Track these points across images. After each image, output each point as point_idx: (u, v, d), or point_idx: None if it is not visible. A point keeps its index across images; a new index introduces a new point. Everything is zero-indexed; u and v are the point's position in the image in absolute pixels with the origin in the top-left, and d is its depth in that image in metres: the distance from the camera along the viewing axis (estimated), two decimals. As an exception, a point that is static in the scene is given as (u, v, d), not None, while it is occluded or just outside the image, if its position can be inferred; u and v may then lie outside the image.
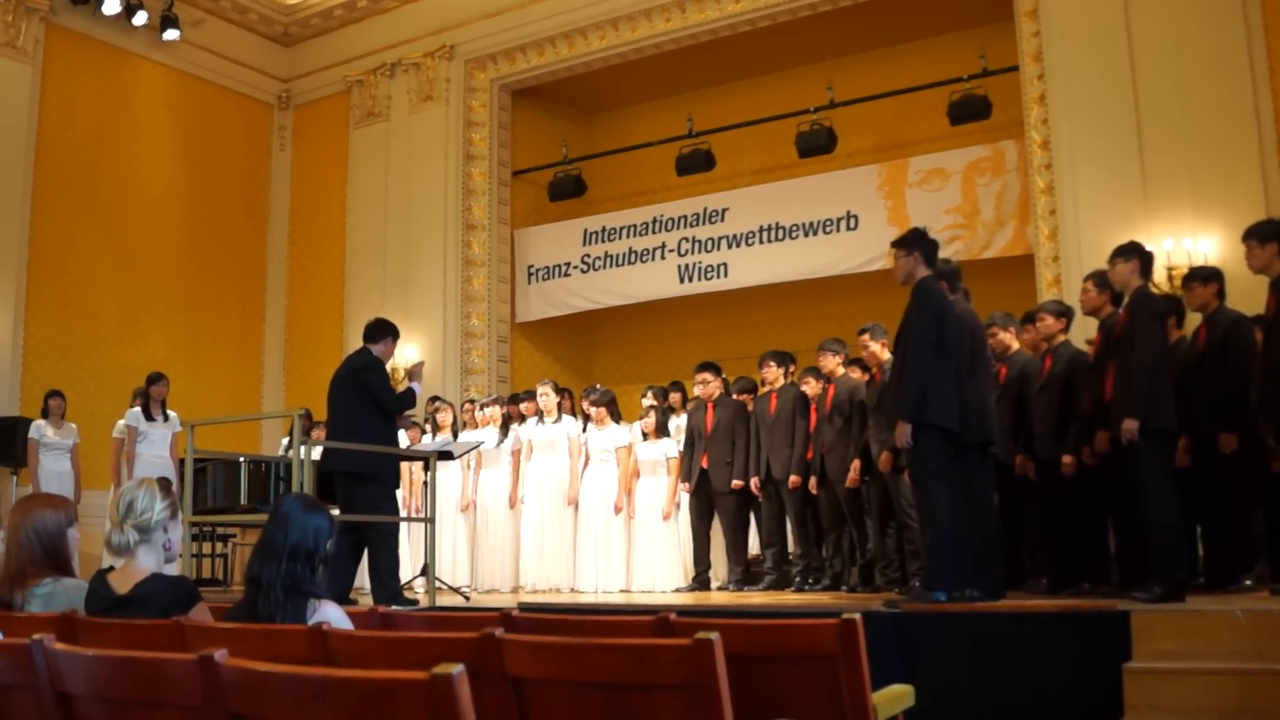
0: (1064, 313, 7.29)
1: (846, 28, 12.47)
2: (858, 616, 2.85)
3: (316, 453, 7.98)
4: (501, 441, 10.05)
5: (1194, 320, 7.01)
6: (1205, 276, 6.89)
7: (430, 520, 8.03)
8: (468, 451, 9.66)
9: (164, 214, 13.80)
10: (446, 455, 8.93)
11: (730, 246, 12.87)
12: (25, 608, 3.71)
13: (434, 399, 10.82)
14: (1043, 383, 7.06)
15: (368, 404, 7.71)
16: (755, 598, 8.12)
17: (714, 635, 2.25)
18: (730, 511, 8.99)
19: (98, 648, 2.66)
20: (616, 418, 9.80)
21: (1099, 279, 6.69)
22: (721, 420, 9.04)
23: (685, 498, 9.31)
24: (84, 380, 12.35)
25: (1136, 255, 6.28)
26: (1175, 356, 6.76)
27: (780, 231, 12.53)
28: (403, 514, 9.78)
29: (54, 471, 10.10)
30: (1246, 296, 6.96)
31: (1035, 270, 10.58)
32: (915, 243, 6.45)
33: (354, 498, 7.57)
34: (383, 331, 8.04)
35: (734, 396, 9.25)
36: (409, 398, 8.08)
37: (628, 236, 13.59)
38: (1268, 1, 9.64)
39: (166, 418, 10.10)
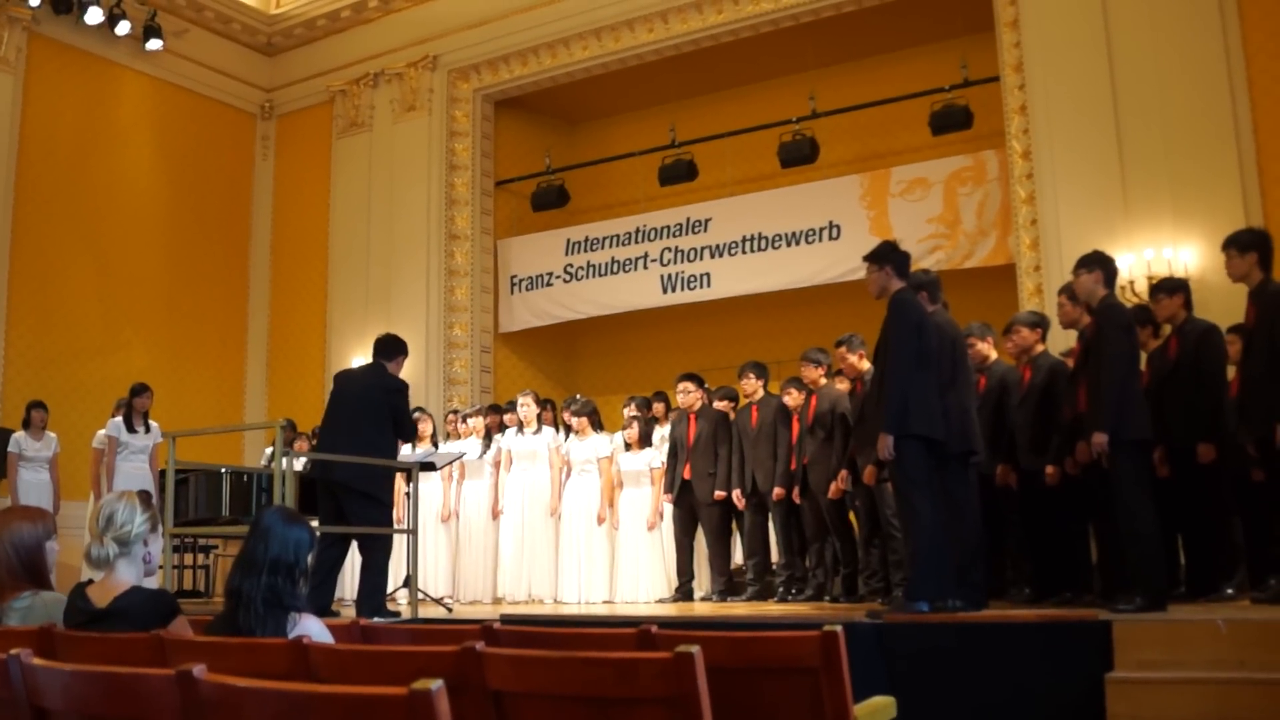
0: (1038, 323, 7.30)
1: (828, 38, 12.52)
2: (839, 628, 2.85)
3: (299, 464, 7.93)
4: (485, 452, 10.04)
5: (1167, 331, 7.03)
6: (1171, 288, 6.89)
7: (412, 531, 8.01)
8: (450, 462, 9.65)
9: (146, 223, 13.77)
10: (429, 466, 8.91)
11: (713, 256, 12.89)
12: (3, 621, 3.69)
13: (415, 409, 10.79)
14: (1023, 393, 7.07)
15: (389, 424, 7.71)
16: (738, 608, 8.11)
17: (695, 649, 2.25)
18: (713, 522, 8.98)
19: (76, 662, 2.64)
20: (598, 428, 9.80)
21: (1071, 292, 6.70)
22: (703, 431, 9.04)
23: (669, 508, 9.31)
24: (65, 390, 12.28)
25: (1100, 266, 6.27)
26: (1150, 367, 6.78)
27: (763, 241, 12.57)
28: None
29: (32, 483, 10.03)
30: (1226, 305, 6.99)
31: (1017, 280, 10.63)
32: (886, 256, 6.44)
33: (359, 514, 7.53)
34: (398, 349, 8.00)
35: (714, 405, 9.25)
36: (414, 432, 8.60)
37: (610, 246, 13.60)
38: (1246, 12, 9.71)
39: (148, 429, 10.05)
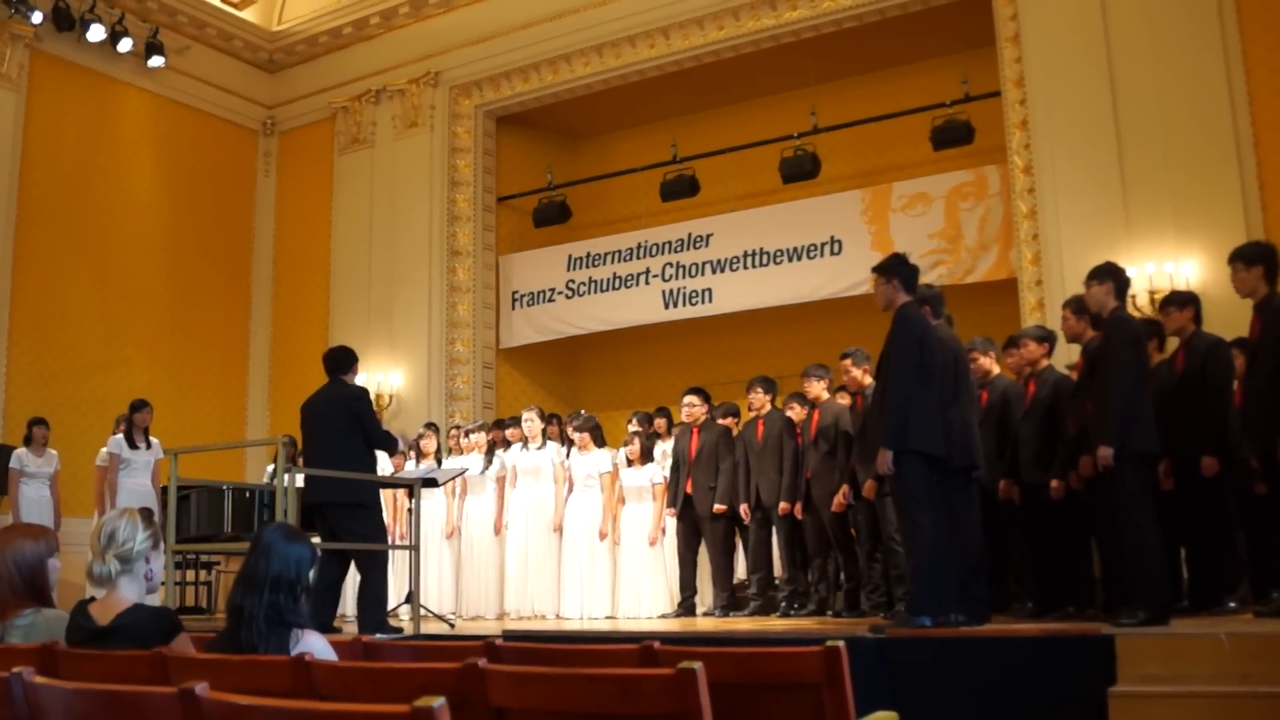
0: (1046, 338, 7.29)
1: (830, 54, 12.53)
2: (841, 644, 2.85)
3: (300, 480, 7.93)
4: (487, 468, 10.04)
5: (1173, 344, 7.03)
6: (1181, 301, 6.90)
7: (415, 547, 8.00)
8: (453, 478, 9.64)
9: (148, 240, 13.79)
10: (431, 482, 8.90)
11: (715, 272, 12.89)
12: (5, 639, 3.68)
13: (425, 425, 10.80)
14: (1027, 408, 7.06)
15: (358, 435, 7.68)
16: (741, 623, 8.10)
17: (697, 665, 2.25)
18: (717, 537, 8.97)
19: (78, 679, 2.64)
20: (600, 443, 9.80)
21: (1076, 305, 6.70)
22: (706, 445, 9.04)
23: (671, 523, 9.30)
24: (67, 407, 12.28)
25: (1111, 277, 6.27)
26: (1155, 380, 6.78)
27: (765, 257, 12.57)
28: (388, 541, 9.75)
29: (33, 499, 10.03)
30: (1228, 319, 6.99)
31: (1019, 294, 10.62)
32: (894, 269, 6.45)
33: (352, 527, 7.52)
34: (350, 360, 8.01)
35: (717, 420, 9.25)
36: (393, 442, 8.30)
37: (612, 262, 13.61)
38: (1246, 27, 9.73)
39: (149, 445, 10.05)
